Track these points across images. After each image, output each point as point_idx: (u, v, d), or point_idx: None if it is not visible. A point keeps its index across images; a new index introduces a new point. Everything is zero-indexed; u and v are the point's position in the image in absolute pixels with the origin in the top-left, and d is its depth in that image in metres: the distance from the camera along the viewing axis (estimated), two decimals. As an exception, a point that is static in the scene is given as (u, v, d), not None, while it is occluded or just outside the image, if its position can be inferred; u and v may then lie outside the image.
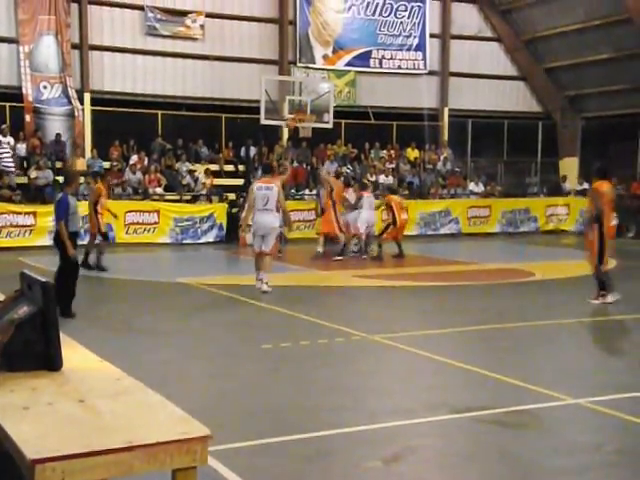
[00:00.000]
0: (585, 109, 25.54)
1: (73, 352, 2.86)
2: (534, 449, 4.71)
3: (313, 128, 20.51)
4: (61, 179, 17.47)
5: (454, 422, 5.16)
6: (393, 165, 22.96)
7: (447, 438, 4.91)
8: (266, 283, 10.37)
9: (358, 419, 5.15)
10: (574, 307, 10.04)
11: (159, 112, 21.34)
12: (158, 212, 18.01)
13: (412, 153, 23.95)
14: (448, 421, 5.16)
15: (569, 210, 22.91)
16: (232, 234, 17.06)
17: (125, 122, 20.38)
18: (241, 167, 21.29)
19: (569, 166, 25.74)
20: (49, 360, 2.61)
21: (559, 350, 7.67)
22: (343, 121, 22.99)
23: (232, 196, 18.84)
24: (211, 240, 17.88)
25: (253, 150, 21.48)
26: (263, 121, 19.07)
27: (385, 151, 23.57)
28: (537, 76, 25.78)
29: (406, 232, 20.63)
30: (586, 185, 23.73)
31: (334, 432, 4.88)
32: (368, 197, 15.51)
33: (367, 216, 15.25)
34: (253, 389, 6.00)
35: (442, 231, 20.91)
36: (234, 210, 17.87)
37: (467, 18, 25.00)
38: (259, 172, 19.61)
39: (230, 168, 21.09)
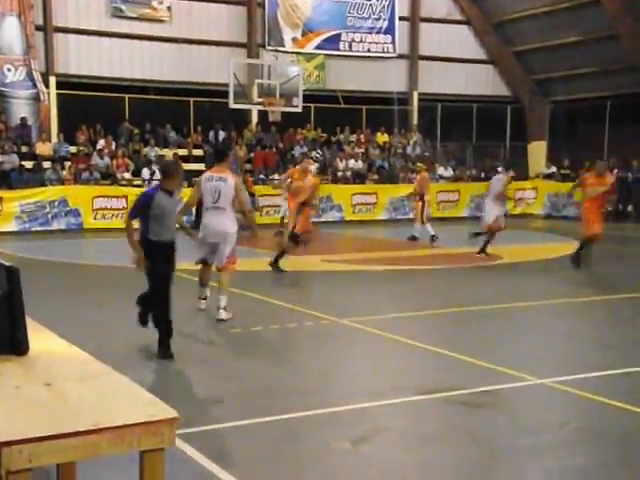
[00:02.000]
0: (553, 93, 25.77)
1: (41, 336, 2.85)
2: (500, 429, 4.81)
3: (282, 112, 20.45)
4: (29, 164, 17.08)
5: (421, 403, 5.23)
6: (362, 150, 23.02)
7: (414, 419, 4.98)
8: (224, 309, 7.75)
9: (327, 401, 5.19)
10: (541, 289, 10.20)
11: (126, 96, 21.10)
12: (126, 197, 17.85)
13: (382, 137, 24.01)
14: (415, 402, 5.23)
15: (537, 194, 23.18)
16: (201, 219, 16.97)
17: (92, 106, 20.10)
18: (210, 151, 21.16)
19: (538, 150, 26.00)
20: (15, 344, 2.60)
21: (526, 332, 7.80)
22: (313, 105, 22.95)
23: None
24: (178, 226, 17.72)
25: (222, 134, 21.36)
26: (232, 105, 18.96)
27: (355, 135, 23.60)
28: (506, 60, 25.93)
29: (375, 217, 20.87)
30: (554, 169, 24.07)
31: (303, 414, 4.92)
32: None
33: None
34: (222, 373, 6.02)
35: (411, 215, 21.02)
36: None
37: (436, 1, 25.03)
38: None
39: (199, 153, 20.96)
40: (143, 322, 6.65)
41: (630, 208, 21.29)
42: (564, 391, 5.52)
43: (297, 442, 4.51)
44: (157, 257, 6.31)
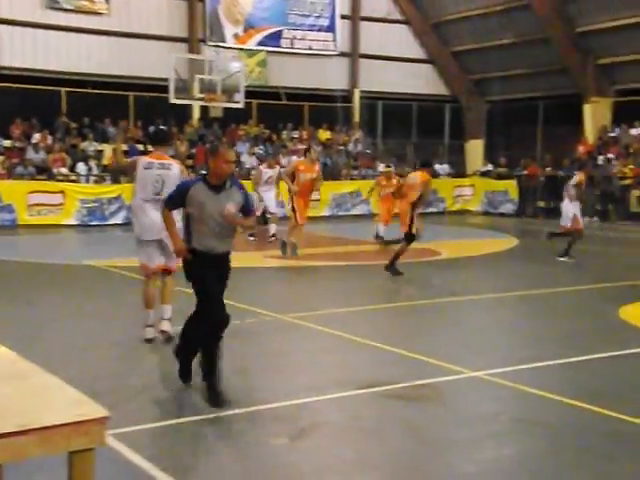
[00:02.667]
0: (489, 93, 26.31)
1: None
2: (436, 421, 4.90)
3: (224, 108, 20.32)
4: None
5: (360, 397, 5.29)
6: (305, 146, 23.02)
7: (353, 413, 5.03)
8: (168, 320, 6.68)
9: (266, 398, 5.20)
10: (478, 284, 10.42)
11: (62, 89, 20.62)
12: (63, 193, 17.48)
13: (324, 134, 24.09)
14: (354, 397, 5.28)
15: (474, 191, 23.64)
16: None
17: (27, 99, 19.60)
18: (150, 147, 20.83)
19: (475, 148, 26.51)
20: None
21: (462, 325, 7.95)
22: (255, 101, 22.88)
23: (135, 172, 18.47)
24: (119, 222, 17.49)
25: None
26: (172, 100, 18.75)
27: (297, 132, 23.62)
28: (444, 59, 26.34)
29: (317, 213, 20.93)
30: (490, 167, 24.58)
31: (242, 411, 4.92)
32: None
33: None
34: (161, 371, 5.96)
35: (353, 212, 21.18)
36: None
37: (376, 1, 25.26)
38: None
39: (138, 147, 20.62)
40: (185, 376, 5.31)
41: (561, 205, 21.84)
42: (498, 383, 5.66)
43: (235, 439, 4.50)
44: (198, 273, 5.10)
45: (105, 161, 19.37)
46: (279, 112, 23.66)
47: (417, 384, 5.55)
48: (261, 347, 6.79)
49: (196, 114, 22.01)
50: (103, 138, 20.27)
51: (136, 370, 6.02)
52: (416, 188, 10.72)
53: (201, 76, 19.78)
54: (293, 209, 12.76)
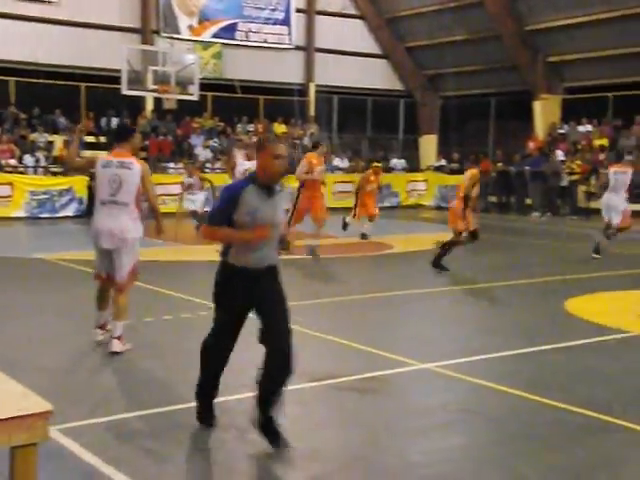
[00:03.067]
0: (443, 88, 26.59)
1: None
2: (385, 412, 4.97)
3: (179, 100, 20.14)
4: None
5: (312, 390, 5.33)
6: (245, 140, 22.98)
7: (304, 406, 5.06)
8: (118, 338, 6.06)
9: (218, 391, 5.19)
10: (430, 277, 10.55)
11: (11, 79, 20.17)
12: (12, 185, 17.13)
13: (279, 128, 24.06)
14: (306, 389, 5.32)
15: (428, 185, 23.89)
16: (92, 208, 16.55)
17: (-27, 89, 19.13)
18: (102, 138, 20.56)
19: (429, 143, 26.78)
20: None
21: (413, 318, 8.06)
22: (210, 94, 22.73)
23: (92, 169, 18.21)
24: (70, 214, 17.24)
25: (115, 121, 20.80)
26: (125, 91, 18.51)
27: (252, 125, 23.54)
28: (398, 55, 26.52)
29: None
30: (444, 162, 24.87)
31: (191, 405, 4.90)
32: None
33: None
34: (108, 366, 5.90)
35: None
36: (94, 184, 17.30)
37: (332, -6, 25.29)
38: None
39: (91, 139, 20.32)
40: (208, 419, 4.54)
41: (512, 200, 22.31)
42: (448, 375, 5.76)
43: (184, 433, 4.50)
44: (237, 294, 4.28)
45: (56, 152, 19.03)
46: (234, 105, 23.55)
47: (368, 376, 5.61)
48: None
49: (149, 106, 21.75)
50: (54, 129, 19.90)
51: (84, 365, 5.95)
52: (464, 184, 10.60)
53: (154, 67, 19.55)
54: (293, 209, 11.73)
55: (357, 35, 25.93)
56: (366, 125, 26.57)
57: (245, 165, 13.99)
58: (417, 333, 7.27)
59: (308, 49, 24.90)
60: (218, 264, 4.36)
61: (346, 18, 25.68)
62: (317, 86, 25.11)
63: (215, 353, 4.54)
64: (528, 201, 21.56)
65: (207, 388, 4.54)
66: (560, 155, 21.36)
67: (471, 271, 11.33)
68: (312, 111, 25.22)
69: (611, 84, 21.92)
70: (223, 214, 4.18)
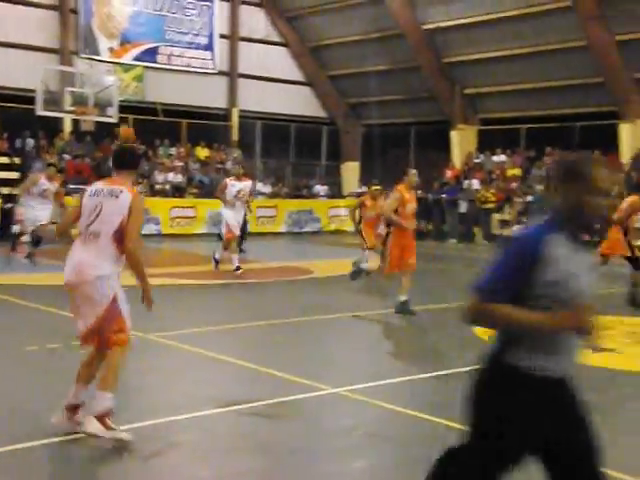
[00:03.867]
0: (365, 116, 27.10)
1: None
2: (293, 438, 4.99)
3: (99, 122, 19.83)
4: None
5: (218, 416, 5.31)
6: (182, 163, 22.84)
7: (210, 432, 5.03)
8: (101, 419, 4.58)
9: (123, 418, 5.10)
10: (346, 302, 10.65)
11: None
12: None
13: (202, 152, 23.97)
14: (213, 416, 5.29)
15: (349, 212, 24.17)
16: (6, 230, 16.03)
17: None
18: (17, 159, 19.99)
19: (351, 170, 27.18)
20: None
21: (324, 343, 8.13)
22: (131, 116, 22.46)
23: (6, 190, 17.70)
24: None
25: (31, 142, 20.29)
26: (40, 112, 18.13)
27: (175, 149, 23.38)
28: (321, 83, 26.92)
29: (192, 231, 20.75)
30: (365, 189, 25.25)
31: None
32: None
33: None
34: (13, 393, 5.72)
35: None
36: (9, 205, 16.80)
37: (255, 21, 25.56)
38: (35, 165, 18.43)
39: (4, 160, 19.72)
40: None
41: (430, 227, 22.82)
42: (356, 399, 5.82)
43: (88, 462, 4.41)
44: (533, 419, 2.64)
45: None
46: (156, 128, 23.35)
47: (276, 402, 5.63)
48: (123, 366, 6.65)
49: (67, 127, 21.32)
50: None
51: (8, 389, 5.75)
52: (622, 211, 10.04)
53: (72, 89, 19.20)
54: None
55: (281, 62, 26.20)
56: (289, 151, 26.77)
57: (237, 187, 12.94)
58: (329, 358, 7.33)
59: (231, 74, 24.99)
60: (484, 365, 2.78)
61: (270, 45, 25.94)
62: (240, 111, 25.18)
63: None
64: (445, 228, 22.10)
65: None
66: (475, 184, 22.03)
67: (384, 296, 11.47)
68: (235, 136, 25.25)
69: (524, 116, 22.85)
70: (512, 282, 2.62)
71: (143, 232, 19.23)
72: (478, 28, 22.04)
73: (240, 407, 5.45)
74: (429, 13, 22.80)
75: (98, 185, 5.07)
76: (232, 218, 12.82)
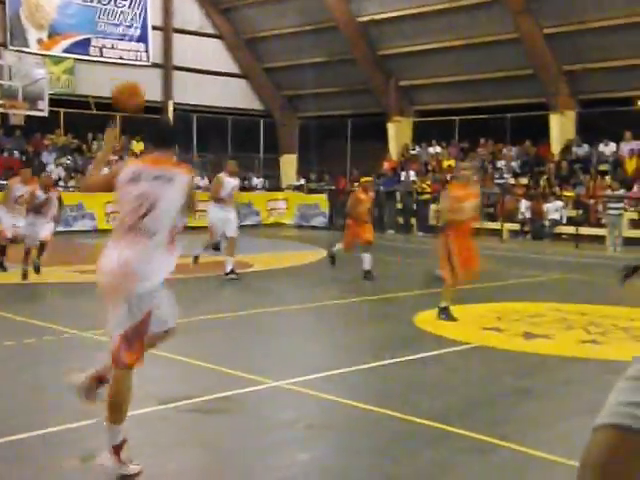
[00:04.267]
0: (302, 109, 27.12)
1: None
2: (235, 433, 4.97)
3: (27, 116, 19.28)
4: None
5: (159, 414, 5.25)
6: (117, 157, 22.40)
7: (150, 430, 4.98)
8: (115, 451, 4.13)
9: (60, 419, 5.01)
10: (285, 295, 10.69)
11: None
12: None
13: (138, 146, 23.56)
14: (153, 413, 5.23)
15: (288, 204, 24.22)
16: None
17: None
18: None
19: (289, 163, 27.18)
20: None
21: (266, 336, 8.11)
22: (62, 110, 21.92)
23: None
24: None
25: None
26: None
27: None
28: (258, 75, 26.81)
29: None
30: (303, 181, 25.33)
31: (35, 434, 4.72)
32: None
33: None
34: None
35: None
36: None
37: (189, 13, 25.24)
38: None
39: None
40: None
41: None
42: (298, 392, 5.85)
43: (24, 463, 4.30)
44: None
45: None
46: (89, 122, 22.84)
47: (217, 397, 5.60)
48: (57, 366, 6.51)
49: (-5, 121, 20.69)
50: None
51: None
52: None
53: (0, 82, 18.61)
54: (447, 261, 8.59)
55: (216, 54, 25.97)
56: (227, 144, 26.57)
57: (232, 183, 12.04)
58: (271, 351, 7.33)
59: (166, 67, 24.63)
60: None
61: (204, 37, 25.67)
62: (176, 104, 24.85)
63: None
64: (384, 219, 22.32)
65: None
66: (412, 175, 22.32)
67: (325, 288, 11.56)
68: (171, 129, 24.91)
69: (457, 108, 23.24)
70: None
71: (78, 228, 18.90)
72: (411, 21, 22.30)
73: (180, 404, 5.41)
74: (363, 5, 22.94)
75: (138, 165, 4.22)
76: (219, 221, 11.90)
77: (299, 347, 7.76)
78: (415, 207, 21.73)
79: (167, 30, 24.59)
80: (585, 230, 18.74)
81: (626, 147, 19.97)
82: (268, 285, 11.76)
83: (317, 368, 6.55)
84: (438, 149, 23.53)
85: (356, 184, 12.67)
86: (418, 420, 5.14)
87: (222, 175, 12.12)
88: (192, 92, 24.97)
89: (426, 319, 8.77)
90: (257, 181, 25.36)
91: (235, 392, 5.76)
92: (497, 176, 21.54)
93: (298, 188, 24.92)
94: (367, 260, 11.74)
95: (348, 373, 6.48)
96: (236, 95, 26.58)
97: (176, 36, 24.82)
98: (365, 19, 23.12)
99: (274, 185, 25.86)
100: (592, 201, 19.34)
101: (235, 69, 26.63)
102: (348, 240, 12.00)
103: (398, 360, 6.93)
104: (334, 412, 5.47)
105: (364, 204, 11.91)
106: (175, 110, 24.86)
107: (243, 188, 24.46)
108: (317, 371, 6.43)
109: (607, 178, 19.53)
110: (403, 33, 22.62)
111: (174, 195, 4.07)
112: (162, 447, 4.66)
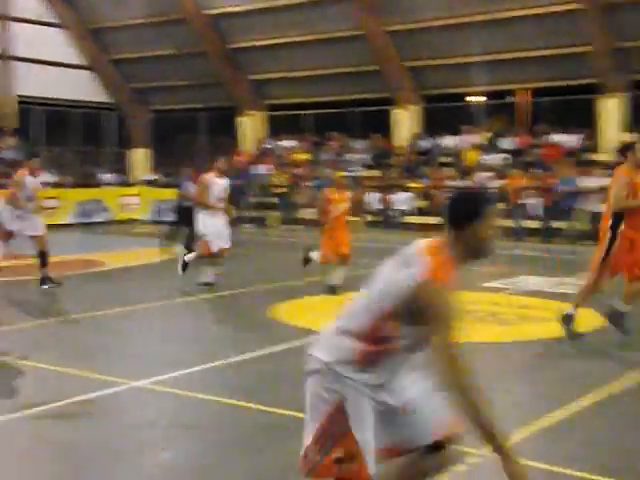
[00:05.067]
0: (152, 102, 26.55)
1: None
2: (96, 436, 4.85)
3: None
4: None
5: (12, 422, 5.05)
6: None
7: (4, 439, 4.79)
8: None
9: None
10: (140, 293, 10.45)
11: None
12: None
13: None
14: (6, 422, 5.02)
15: (141, 200, 23.65)
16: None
17: None
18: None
19: (140, 157, 26.51)
20: None
21: (122, 336, 7.96)
22: None
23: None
24: None
25: None
26: None
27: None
28: (104, 67, 25.94)
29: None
30: (156, 175, 24.79)
31: None
32: None
33: None
34: None
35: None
36: None
37: (28, 1, 23.94)
38: None
39: None
40: None
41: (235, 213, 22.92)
42: (157, 391, 5.80)
43: None
44: None
45: None
46: None
47: (75, 401, 5.45)
48: None
49: None
50: None
51: None
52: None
53: None
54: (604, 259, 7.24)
55: (59, 45, 24.84)
56: (71, 138, 25.51)
57: (219, 184, 10.34)
58: (127, 351, 7.21)
59: (3, 57, 23.24)
60: None
61: (47, 27, 24.45)
62: (18, 96, 23.52)
63: None
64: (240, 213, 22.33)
65: None
66: (265, 169, 22.48)
67: (179, 285, 11.42)
68: (13, 123, 23.55)
69: (308, 102, 23.64)
70: None
71: None
72: (262, 15, 22.42)
73: (36, 410, 5.23)
74: (211, -1, 22.81)
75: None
76: (213, 229, 10.08)
77: (156, 345, 7.66)
78: (278, 201, 21.87)
79: (4, 18, 23.19)
80: (432, 220, 19.71)
81: (464, 140, 21.22)
82: (120, 284, 11.47)
83: (177, 366, 6.51)
84: (292, 143, 23.83)
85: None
86: (280, 411, 5.25)
87: (208, 176, 10.36)
88: (35, 84, 23.68)
89: (282, 311, 8.92)
90: (107, 177, 24.55)
91: (92, 395, 5.63)
92: (349, 169, 22.15)
93: (151, 183, 24.38)
94: (338, 275, 9.91)
95: (210, 369, 6.50)
96: (82, 87, 25.53)
97: (15, 25, 23.45)
98: (214, 12, 22.97)
99: (124, 180, 25.14)
100: (437, 191, 20.37)
101: (80, 60, 25.58)
102: (324, 253, 9.98)
103: (257, 353, 7.02)
104: (197, 409, 5.49)
105: (336, 205, 9.83)
106: (18, 102, 23.52)
107: (90, 184, 23.65)
108: (178, 369, 6.39)
109: (448, 169, 20.64)
110: (254, 27, 22.69)
111: None
112: (19, 457, 4.50)
